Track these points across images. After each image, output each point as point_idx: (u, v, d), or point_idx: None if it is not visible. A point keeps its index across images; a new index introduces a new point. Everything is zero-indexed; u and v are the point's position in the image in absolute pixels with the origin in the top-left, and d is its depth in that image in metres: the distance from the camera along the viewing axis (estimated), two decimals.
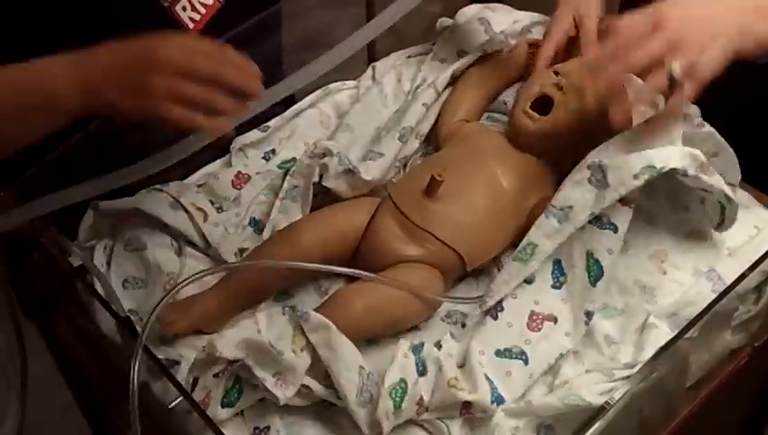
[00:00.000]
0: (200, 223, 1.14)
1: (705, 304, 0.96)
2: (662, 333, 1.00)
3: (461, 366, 1.00)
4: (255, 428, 0.98)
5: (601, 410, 0.88)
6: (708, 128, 1.11)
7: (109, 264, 1.12)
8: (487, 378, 0.98)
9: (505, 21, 1.30)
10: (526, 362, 1.00)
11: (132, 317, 1.05)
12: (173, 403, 0.95)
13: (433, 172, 1.07)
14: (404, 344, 0.99)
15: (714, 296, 1.00)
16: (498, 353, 1.01)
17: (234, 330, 0.98)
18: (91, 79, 0.91)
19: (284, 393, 0.94)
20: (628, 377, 0.94)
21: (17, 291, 1.05)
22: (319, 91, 1.32)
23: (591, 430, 0.87)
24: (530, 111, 1.14)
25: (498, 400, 0.97)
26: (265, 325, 0.99)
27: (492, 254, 1.11)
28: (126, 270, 1.11)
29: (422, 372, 0.97)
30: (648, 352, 0.98)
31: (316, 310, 1.01)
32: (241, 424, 0.98)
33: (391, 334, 1.04)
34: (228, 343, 0.94)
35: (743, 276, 0.99)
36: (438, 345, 1.02)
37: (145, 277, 1.11)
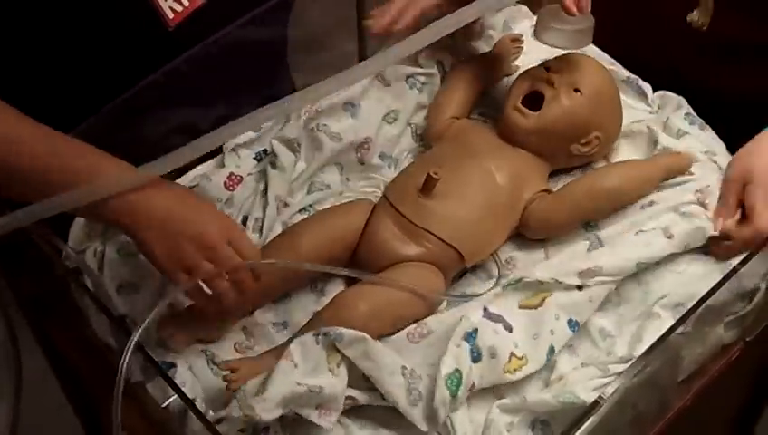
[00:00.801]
0: None
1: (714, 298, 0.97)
2: (665, 325, 1.00)
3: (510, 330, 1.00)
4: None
5: (595, 405, 0.89)
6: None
7: (101, 269, 1.11)
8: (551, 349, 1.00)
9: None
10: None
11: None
12: (167, 402, 0.95)
13: (428, 171, 1.08)
14: (458, 334, 0.99)
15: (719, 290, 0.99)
16: (570, 324, 1.03)
17: (273, 386, 0.93)
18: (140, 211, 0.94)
19: (329, 420, 0.95)
20: (622, 373, 0.95)
21: (13, 291, 1.05)
22: None
23: (585, 425, 0.87)
24: (521, 106, 1.14)
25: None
26: (300, 358, 0.96)
27: (490, 249, 1.12)
28: (119, 275, 1.11)
29: (476, 358, 0.97)
30: (646, 344, 0.98)
31: (318, 314, 1.01)
32: None
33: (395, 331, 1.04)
34: (268, 405, 0.92)
35: (734, 271, 1.00)
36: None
37: (138, 282, 1.10)
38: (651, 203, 1.12)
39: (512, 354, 0.98)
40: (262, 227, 1.15)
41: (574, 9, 1.10)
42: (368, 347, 0.95)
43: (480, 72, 1.27)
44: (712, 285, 0.99)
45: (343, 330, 0.96)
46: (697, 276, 1.07)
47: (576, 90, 1.14)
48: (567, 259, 1.07)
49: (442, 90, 1.26)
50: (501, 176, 1.12)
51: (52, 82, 1.10)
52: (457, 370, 0.96)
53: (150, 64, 1.11)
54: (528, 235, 1.13)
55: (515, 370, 0.98)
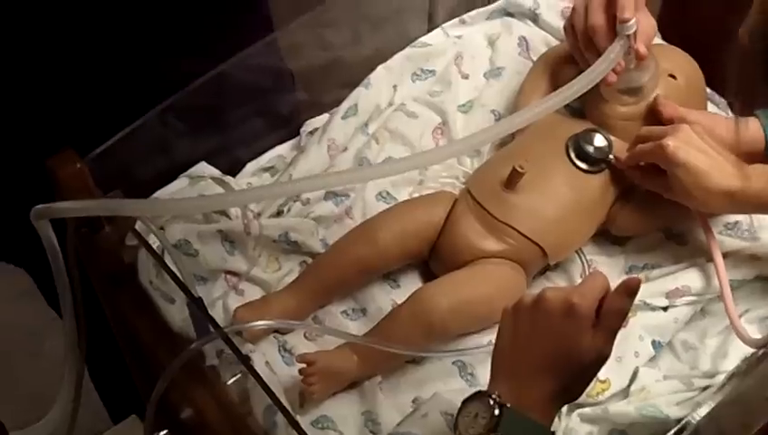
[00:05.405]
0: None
1: None
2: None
3: None
4: None
5: (685, 426, 0.86)
6: None
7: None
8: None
9: None
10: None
11: None
12: (231, 380, 0.93)
13: (514, 164, 1.04)
14: None
15: None
16: (654, 344, 1.01)
17: None
18: None
19: None
20: (706, 387, 0.92)
21: (87, 265, 1.04)
22: None
23: None
24: (619, 94, 1.09)
25: None
26: None
27: (575, 247, 1.08)
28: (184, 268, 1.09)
29: None
30: (731, 359, 0.95)
31: (397, 309, 1.00)
32: None
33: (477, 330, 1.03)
34: None
35: None
36: None
37: (206, 275, 1.08)
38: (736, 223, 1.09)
39: (596, 379, 0.92)
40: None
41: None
42: None
43: (569, 59, 1.21)
44: None
45: None
46: None
47: (671, 75, 1.10)
48: (653, 277, 1.04)
49: (530, 75, 1.21)
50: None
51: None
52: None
53: None
54: (613, 231, 1.10)
55: (598, 394, 0.95)
